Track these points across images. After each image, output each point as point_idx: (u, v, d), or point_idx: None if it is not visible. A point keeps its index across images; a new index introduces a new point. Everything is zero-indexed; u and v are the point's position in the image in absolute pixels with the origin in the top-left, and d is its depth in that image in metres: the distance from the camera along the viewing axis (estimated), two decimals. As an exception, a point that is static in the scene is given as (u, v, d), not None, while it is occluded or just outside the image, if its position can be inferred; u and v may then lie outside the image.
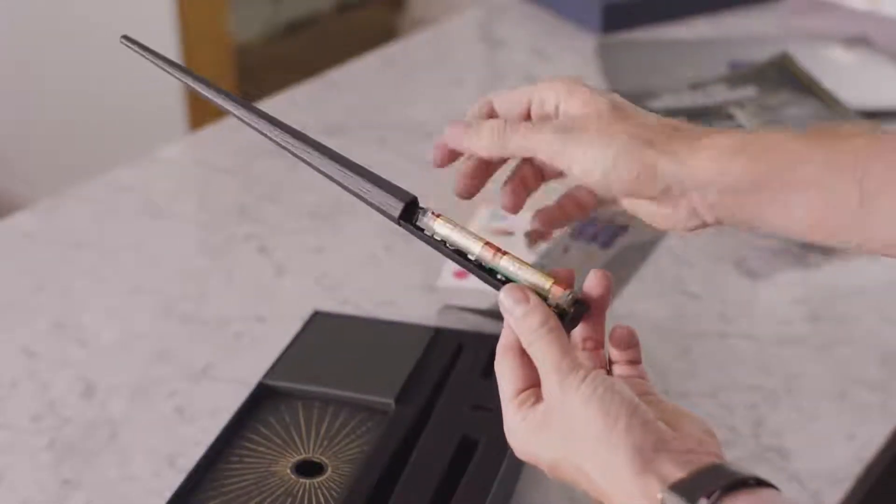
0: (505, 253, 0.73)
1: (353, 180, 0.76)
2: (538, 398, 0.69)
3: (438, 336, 1.07)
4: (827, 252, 1.30)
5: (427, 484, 0.90)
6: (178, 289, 1.26)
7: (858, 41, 1.78)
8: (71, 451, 1.04)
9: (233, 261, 1.32)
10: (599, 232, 1.32)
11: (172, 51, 2.60)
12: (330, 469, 0.93)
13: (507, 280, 0.73)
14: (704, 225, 0.72)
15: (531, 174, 0.80)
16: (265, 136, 0.79)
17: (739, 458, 1.02)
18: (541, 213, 0.82)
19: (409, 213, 0.75)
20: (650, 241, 1.32)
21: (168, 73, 0.82)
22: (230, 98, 0.79)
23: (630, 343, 0.72)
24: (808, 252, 1.30)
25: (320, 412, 0.99)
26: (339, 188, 0.77)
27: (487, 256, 0.73)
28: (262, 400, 1.00)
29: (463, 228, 0.74)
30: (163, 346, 1.17)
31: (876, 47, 1.77)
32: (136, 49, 0.82)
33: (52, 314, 1.22)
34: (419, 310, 1.18)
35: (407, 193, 0.75)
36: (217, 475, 0.92)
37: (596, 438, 0.64)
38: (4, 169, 2.93)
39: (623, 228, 1.33)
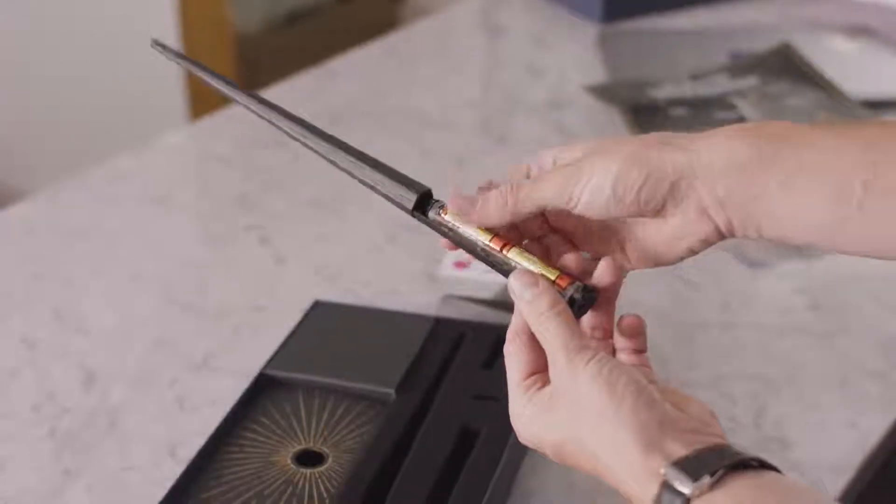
0: (513, 245, 0.74)
1: (367, 172, 0.77)
2: (545, 382, 0.70)
3: (439, 326, 1.06)
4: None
5: (427, 474, 0.90)
6: (178, 278, 1.26)
7: (860, 30, 1.78)
8: (71, 440, 1.04)
9: (233, 250, 1.32)
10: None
11: (173, 41, 2.60)
12: (330, 459, 0.93)
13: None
14: (716, 232, 0.72)
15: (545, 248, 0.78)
16: (283, 130, 0.80)
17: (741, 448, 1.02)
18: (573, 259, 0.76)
19: (423, 205, 0.76)
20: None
21: (200, 76, 0.83)
22: (247, 94, 0.81)
23: (638, 332, 0.73)
24: (810, 242, 1.29)
25: (321, 402, 0.98)
26: (345, 177, 0.78)
27: (496, 248, 0.73)
28: (262, 390, 1.00)
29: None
30: (163, 336, 1.16)
31: (878, 37, 1.76)
32: (168, 54, 0.84)
33: (52, 303, 1.22)
34: (420, 300, 1.18)
35: (421, 185, 0.76)
36: (217, 465, 0.92)
37: (602, 415, 0.65)
38: (4, 158, 2.92)
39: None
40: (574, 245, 0.76)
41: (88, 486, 0.99)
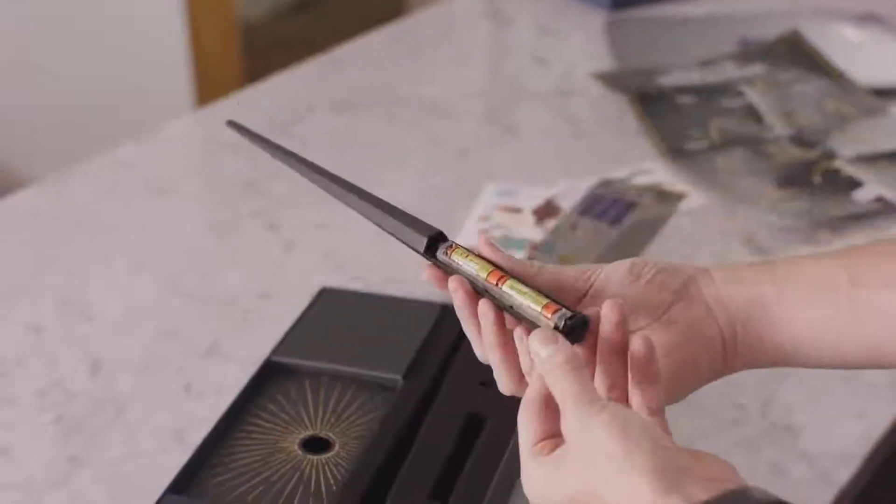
0: (507, 279, 0.74)
1: (386, 219, 0.81)
2: (556, 445, 0.68)
3: (446, 312, 1.06)
4: (836, 229, 1.29)
5: (434, 460, 0.90)
6: (184, 266, 1.26)
7: (869, 18, 1.77)
8: (77, 427, 1.04)
9: (240, 237, 1.32)
10: (608, 209, 1.31)
11: (180, 30, 2.59)
12: (337, 445, 0.93)
13: (511, 307, 0.73)
14: (720, 338, 0.74)
15: None
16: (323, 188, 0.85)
17: (748, 437, 1.02)
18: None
19: (433, 246, 0.78)
20: (659, 217, 1.31)
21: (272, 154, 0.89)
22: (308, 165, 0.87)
23: (648, 357, 0.69)
24: (818, 229, 1.29)
25: (328, 389, 0.98)
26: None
27: (492, 283, 0.74)
28: (269, 376, 1.00)
29: (474, 257, 0.76)
30: (169, 323, 1.16)
31: (886, 24, 1.76)
32: (243, 134, 0.90)
33: (58, 291, 1.22)
34: (427, 286, 1.17)
35: (431, 228, 0.78)
36: (224, 452, 0.92)
37: (617, 462, 0.62)
38: (8, 147, 2.92)
39: (632, 205, 1.32)
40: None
41: (95, 473, 0.99)
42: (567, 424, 0.66)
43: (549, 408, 0.69)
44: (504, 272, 0.74)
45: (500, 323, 0.73)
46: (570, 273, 0.76)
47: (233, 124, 0.88)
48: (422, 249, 0.78)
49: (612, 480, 0.63)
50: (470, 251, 0.76)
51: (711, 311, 0.74)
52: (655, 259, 0.76)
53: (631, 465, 0.62)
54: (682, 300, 0.74)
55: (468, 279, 0.75)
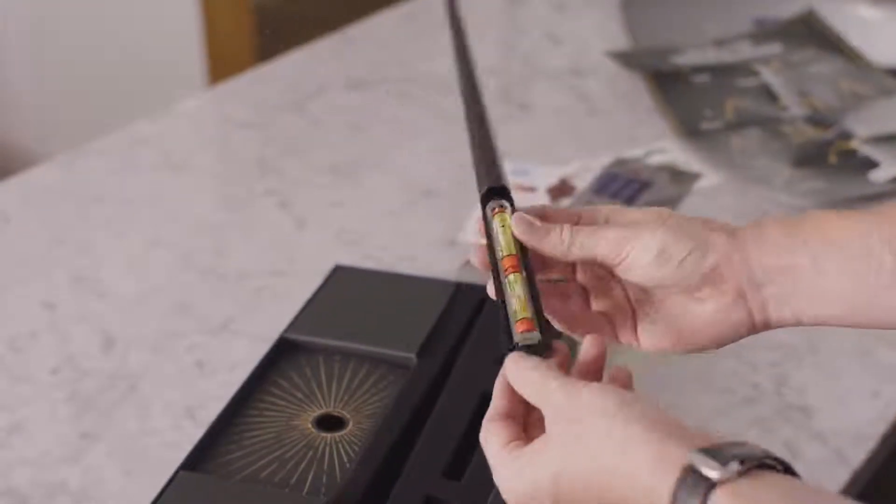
0: (514, 272, 0.72)
1: (473, 148, 0.79)
2: (528, 440, 0.67)
3: (460, 291, 1.06)
4: (850, 209, 1.28)
5: (448, 439, 0.90)
6: (197, 242, 1.26)
7: (885, -2, 1.77)
8: (90, 403, 1.04)
9: (253, 215, 1.31)
10: (622, 188, 1.31)
11: (192, 10, 2.59)
12: (351, 423, 0.93)
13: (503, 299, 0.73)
14: (749, 320, 0.73)
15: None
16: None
17: (763, 417, 1.02)
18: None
19: (490, 197, 0.76)
20: (673, 197, 1.31)
21: None
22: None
23: (626, 383, 0.69)
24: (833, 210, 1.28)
25: (341, 366, 0.98)
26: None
27: (503, 267, 0.73)
28: (282, 354, 1.00)
29: (507, 231, 0.74)
30: (182, 300, 1.16)
31: (903, 4, 1.75)
32: None
33: (72, 267, 1.22)
34: (440, 265, 1.18)
35: (497, 179, 0.76)
36: (238, 429, 0.92)
37: (610, 416, 0.62)
38: (23, 123, 2.92)
39: (646, 185, 1.32)
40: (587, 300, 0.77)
41: (108, 450, 0.99)
42: (553, 402, 0.66)
43: (512, 418, 0.70)
44: (521, 262, 0.73)
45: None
46: (604, 248, 0.73)
47: None
48: (481, 194, 0.76)
49: (605, 436, 0.62)
50: (507, 223, 0.74)
51: (743, 295, 0.73)
52: (688, 235, 0.74)
53: (626, 417, 0.62)
54: (712, 284, 0.73)
55: (491, 247, 0.74)
